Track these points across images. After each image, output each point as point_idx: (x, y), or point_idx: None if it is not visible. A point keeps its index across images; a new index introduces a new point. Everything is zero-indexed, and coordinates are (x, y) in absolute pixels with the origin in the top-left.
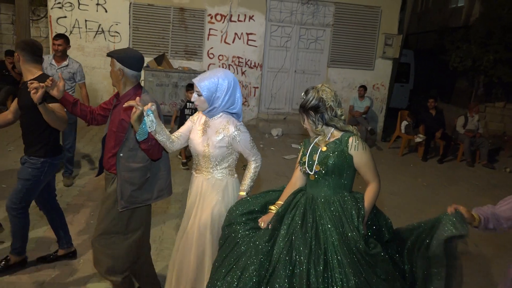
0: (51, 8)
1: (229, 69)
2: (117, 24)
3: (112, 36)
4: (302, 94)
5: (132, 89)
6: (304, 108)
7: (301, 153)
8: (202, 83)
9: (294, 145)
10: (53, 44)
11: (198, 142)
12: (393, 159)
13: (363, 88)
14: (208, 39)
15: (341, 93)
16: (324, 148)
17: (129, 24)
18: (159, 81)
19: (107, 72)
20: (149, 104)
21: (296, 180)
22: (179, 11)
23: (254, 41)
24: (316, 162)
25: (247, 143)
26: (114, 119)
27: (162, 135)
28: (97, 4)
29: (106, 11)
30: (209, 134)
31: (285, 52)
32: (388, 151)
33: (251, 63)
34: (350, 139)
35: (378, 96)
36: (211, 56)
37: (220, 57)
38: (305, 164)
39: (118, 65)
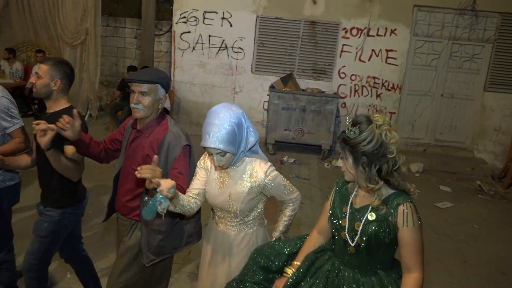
0: (176, 23)
1: (361, 91)
2: (241, 40)
3: (236, 52)
4: (348, 122)
5: (156, 119)
6: (352, 149)
7: (332, 198)
8: (221, 143)
9: (443, 188)
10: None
11: (216, 195)
12: None
13: None
14: (340, 56)
15: (499, 123)
16: (373, 217)
17: (254, 39)
18: (286, 104)
19: (227, 90)
20: (168, 183)
21: (321, 232)
22: (309, 24)
23: (395, 58)
24: (360, 232)
25: (280, 188)
26: (133, 154)
27: (179, 210)
28: (223, 18)
29: (231, 26)
30: (231, 185)
31: (432, 72)
32: None
33: (388, 85)
34: (401, 207)
35: None
36: (342, 75)
37: (353, 77)
38: (344, 229)
39: (162, 91)
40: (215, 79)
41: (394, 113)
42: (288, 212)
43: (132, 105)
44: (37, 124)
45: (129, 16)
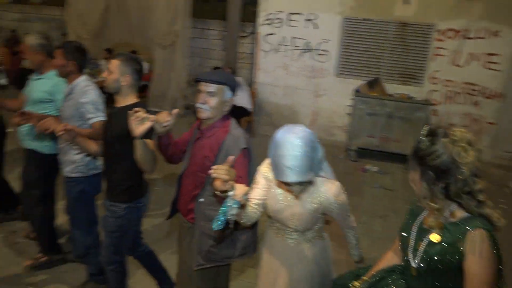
0: (260, 25)
1: (456, 98)
2: (326, 42)
3: (319, 54)
4: (424, 130)
5: (219, 121)
6: (420, 161)
7: (405, 219)
8: (302, 175)
9: None
10: None
11: (279, 211)
12: None
13: None
14: (432, 60)
15: None
16: (437, 239)
17: (339, 41)
18: (371, 109)
19: (310, 93)
20: (242, 189)
21: (396, 251)
22: (400, 26)
23: (496, 63)
24: (421, 253)
25: (344, 211)
26: (195, 155)
27: (241, 218)
28: (307, 20)
29: (315, 27)
30: (296, 204)
31: None
32: None
33: (488, 92)
34: (471, 234)
35: None
36: (434, 80)
37: (447, 83)
38: (407, 249)
39: (229, 94)
40: (298, 81)
41: (494, 123)
42: (353, 239)
43: (198, 104)
44: (136, 111)
45: (215, 18)
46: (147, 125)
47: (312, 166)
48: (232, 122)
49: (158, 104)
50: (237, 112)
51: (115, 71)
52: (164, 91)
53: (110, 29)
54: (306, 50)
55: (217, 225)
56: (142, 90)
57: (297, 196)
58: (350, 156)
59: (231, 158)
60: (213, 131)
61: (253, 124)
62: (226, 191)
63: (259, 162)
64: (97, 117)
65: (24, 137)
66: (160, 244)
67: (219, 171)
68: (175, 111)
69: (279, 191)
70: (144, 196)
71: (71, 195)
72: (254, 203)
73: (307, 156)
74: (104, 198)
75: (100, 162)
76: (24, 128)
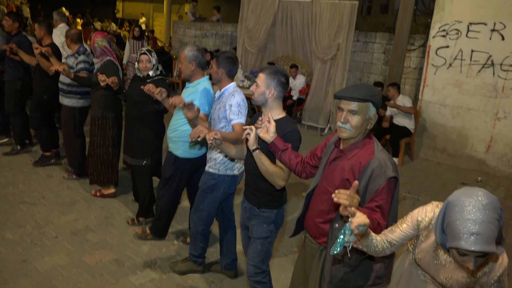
0: (433, 37)
1: None
2: None
3: (504, 70)
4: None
5: (361, 141)
6: None
7: None
8: (488, 244)
9: None
10: None
11: (429, 265)
12: None
13: None
14: None
15: None
16: None
17: None
18: None
19: (487, 115)
20: (362, 220)
21: None
22: None
23: None
24: None
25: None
26: (332, 175)
27: (362, 247)
28: (492, 30)
29: (502, 39)
30: (455, 271)
31: None
32: None
33: None
34: None
35: None
36: None
37: None
38: None
39: (373, 111)
40: (473, 101)
41: None
42: None
43: (338, 123)
44: (244, 129)
45: (379, 31)
46: (252, 135)
47: (497, 237)
48: (376, 143)
49: (313, 118)
50: (398, 132)
51: (261, 84)
52: (319, 105)
53: (274, 43)
54: (488, 66)
55: (334, 249)
56: (298, 104)
57: (474, 273)
58: None
59: (356, 183)
60: (355, 152)
61: (413, 146)
62: (347, 217)
63: (416, 189)
64: (239, 119)
65: (174, 144)
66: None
67: (340, 196)
68: (270, 114)
69: (436, 251)
70: (286, 201)
71: (203, 186)
72: (387, 240)
73: (494, 223)
74: (247, 202)
75: (240, 164)
76: (173, 134)
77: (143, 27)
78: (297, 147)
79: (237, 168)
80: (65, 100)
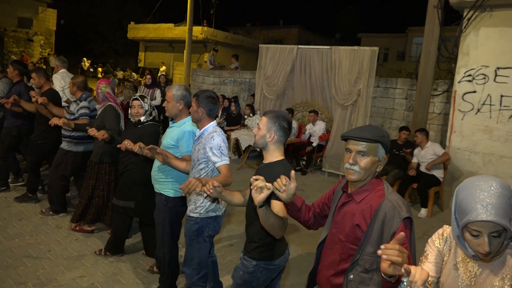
0: (458, 82)
1: None
2: None
3: None
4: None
5: (370, 183)
6: None
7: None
8: (500, 217)
9: None
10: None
11: None
12: None
13: None
14: None
15: None
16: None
17: None
18: None
19: None
20: (424, 275)
21: None
22: None
23: None
24: None
25: None
26: (341, 222)
27: None
28: None
29: None
30: (482, 282)
31: None
32: None
33: None
34: None
35: None
36: None
37: None
38: None
39: (382, 152)
40: (505, 148)
41: None
42: None
43: (346, 165)
44: (256, 179)
45: (398, 76)
46: (265, 193)
47: (510, 217)
48: (386, 185)
49: (334, 165)
50: (426, 181)
51: (263, 127)
52: (341, 152)
53: (293, 89)
54: None
55: None
56: (318, 150)
57: (480, 272)
58: None
59: (402, 234)
60: (364, 195)
61: (442, 195)
62: (396, 276)
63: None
64: (222, 160)
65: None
66: None
67: (389, 252)
68: (293, 173)
69: (460, 269)
70: (277, 258)
71: (188, 234)
72: (427, 283)
73: (506, 199)
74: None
75: (220, 205)
76: (158, 175)
77: (162, 75)
78: None
79: (218, 209)
80: (63, 144)
